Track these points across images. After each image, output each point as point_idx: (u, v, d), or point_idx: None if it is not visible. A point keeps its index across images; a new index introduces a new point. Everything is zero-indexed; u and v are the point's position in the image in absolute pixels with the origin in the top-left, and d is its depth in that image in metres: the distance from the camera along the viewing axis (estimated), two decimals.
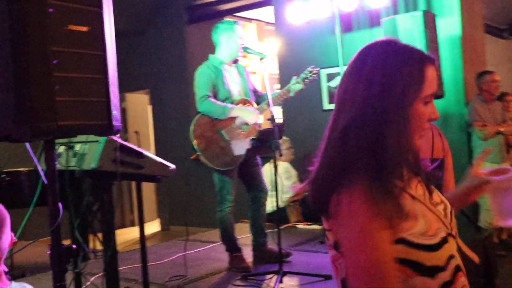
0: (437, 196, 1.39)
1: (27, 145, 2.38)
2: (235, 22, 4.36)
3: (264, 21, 9.30)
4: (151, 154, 3.41)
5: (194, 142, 4.13)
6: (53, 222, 2.16)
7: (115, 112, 2.20)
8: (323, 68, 6.57)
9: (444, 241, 1.28)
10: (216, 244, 5.04)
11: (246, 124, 4.25)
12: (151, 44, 8.51)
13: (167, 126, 8.30)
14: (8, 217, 2.09)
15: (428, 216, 1.28)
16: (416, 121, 1.27)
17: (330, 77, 6.49)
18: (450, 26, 5.75)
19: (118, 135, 3.21)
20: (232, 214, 4.32)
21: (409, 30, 4.72)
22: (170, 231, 8.13)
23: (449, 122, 5.70)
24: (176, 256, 4.67)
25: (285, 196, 6.00)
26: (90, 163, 3.11)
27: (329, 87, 6.54)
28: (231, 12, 8.23)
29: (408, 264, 1.24)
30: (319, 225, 5.31)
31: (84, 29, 2.09)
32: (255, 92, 4.52)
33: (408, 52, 1.30)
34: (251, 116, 4.23)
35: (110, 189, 3.33)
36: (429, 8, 5.77)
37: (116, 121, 2.21)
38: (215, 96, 4.23)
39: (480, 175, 1.54)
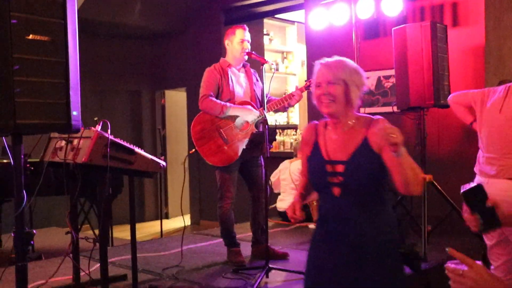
0: None
1: (3, 139, 2.69)
2: (240, 26, 4.54)
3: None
4: (142, 151, 3.66)
5: (193, 137, 4.37)
6: (17, 209, 2.43)
7: (75, 113, 2.45)
8: None
9: None
10: None
11: (247, 125, 4.42)
12: (189, 44, 8.81)
13: None
14: None
15: None
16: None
17: None
18: (474, 36, 5.76)
19: (108, 132, 3.49)
20: (231, 211, 4.51)
21: (416, 40, 4.77)
22: (199, 225, 8.43)
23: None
24: (183, 248, 4.88)
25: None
26: (82, 157, 3.39)
27: None
28: (266, 14, 8.39)
29: None
30: None
31: (46, 38, 2.36)
32: (262, 96, 4.68)
33: None
34: (250, 116, 4.39)
35: (104, 182, 3.59)
36: (454, 19, 5.80)
37: (76, 121, 2.46)
38: (218, 96, 4.44)
39: None
